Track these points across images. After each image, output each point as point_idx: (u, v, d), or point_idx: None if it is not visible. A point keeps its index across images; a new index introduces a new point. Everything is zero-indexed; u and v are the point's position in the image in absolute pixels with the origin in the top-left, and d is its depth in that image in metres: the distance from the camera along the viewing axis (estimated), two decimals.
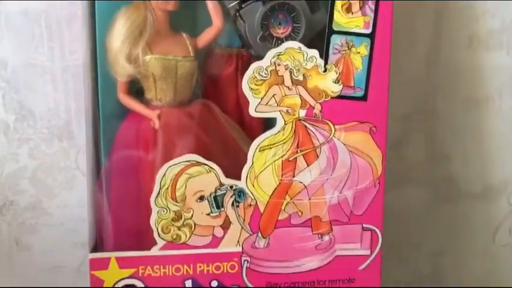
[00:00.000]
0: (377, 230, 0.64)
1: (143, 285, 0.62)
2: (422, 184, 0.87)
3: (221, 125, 0.64)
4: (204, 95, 0.66)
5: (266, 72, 0.59)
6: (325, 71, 0.59)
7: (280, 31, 0.61)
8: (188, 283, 0.63)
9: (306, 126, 0.60)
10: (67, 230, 0.82)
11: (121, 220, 0.63)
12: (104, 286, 0.62)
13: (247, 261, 0.63)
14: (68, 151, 0.77)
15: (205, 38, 0.63)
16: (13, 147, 0.77)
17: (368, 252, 0.64)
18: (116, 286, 0.62)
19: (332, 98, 0.60)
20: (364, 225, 0.64)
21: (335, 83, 0.60)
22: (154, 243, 0.62)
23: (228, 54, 0.66)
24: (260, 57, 0.60)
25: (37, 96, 0.75)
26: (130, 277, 0.62)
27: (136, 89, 0.64)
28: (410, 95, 0.82)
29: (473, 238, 0.91)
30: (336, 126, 0.60)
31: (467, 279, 0.92)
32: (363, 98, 0.60)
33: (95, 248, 0.64)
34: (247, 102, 0.60)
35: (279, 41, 0.60)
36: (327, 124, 0.60)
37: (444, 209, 0.89)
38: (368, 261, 0.64)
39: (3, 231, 0.80)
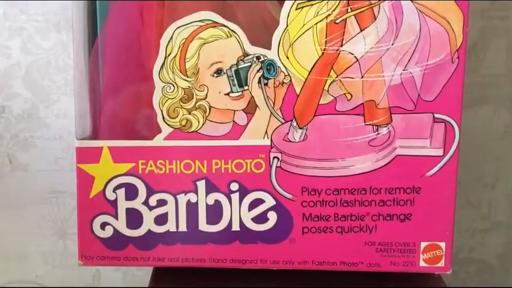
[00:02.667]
0: (454, 123, 0.48)
1: (143, 185, 0.49)
2: (502, 101, 0.70)
3: None
4: None
5: None
6: None
7: None
8: (201, 184, 0.48)
9: None
10: (68, 146, 0.70)
11: (117, 100, 0.50)
12: (94, 185, 0.48)
13: (278, 159, 0.48)
14: (67, 45, 0.65)
15: None
16: (3, 39, 0.65)
17: (440, 152, 0.48)
18: (109, 186, 0.48)
19: None
20: (436, 115, 0.48)
21: None
22: (159, 130, 0.48)
23: None
24: None
25: None
26: (126, 174, 0.49)
27: None
28: None
29: None
30: None
31: None
32: None
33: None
34: None
35: None
36: None
37: None
38: (440, 165, 0.48)
39: None
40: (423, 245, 0.50)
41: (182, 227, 0.50)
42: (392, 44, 0.47)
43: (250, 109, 0.48)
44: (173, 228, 0.50)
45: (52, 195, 0.72)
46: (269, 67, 0.48)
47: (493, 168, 0.74)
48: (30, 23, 0.65)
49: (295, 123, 0.48)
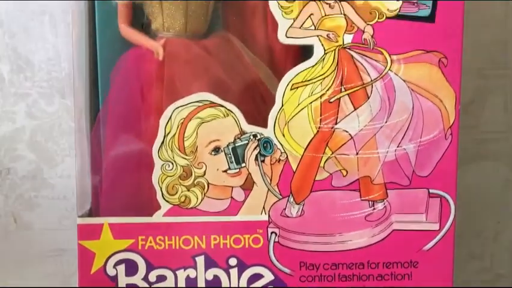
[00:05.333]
0: (449, 197, 0.48)
1: (143, 261, 0.49)
2: (500, 157, 0.70)
3: (244, 63, 0.54)
4: (224, 28, 0.53)
5: None
6: None
7: None
8: (200, 260, 0.49)
9: (352, 57, 0.48)
10: (72, 206, 0.71)
11: (117, 177, 0.50)
12: (94, 261, 0.49)
13: (276, 234, 0.49)
14: (71, 110, 0.67)
15: None
16: (9, 104, 0.67)
17: (436, 226, 0.49)
18: (109, 262, 0.49)
19: (387, 18, 0.48)
20: (431, 191, 0.48)
21: None
22: (158, 207, 0.49)
23: None
24: None
25: (34, 42, 0.65)
26: (126, 250, 0.49)
27: (141, 24, 0.53)
28: (485, 42, 0.66)
29: None
30: (394, 57, 0.48)
31: None
32: (430, 18, 0.48)
33: (88, 215, 0.51)
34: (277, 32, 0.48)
35: None
36: (381, 53, 0.48)
37: None
38: (437, 239, 0.48)
39: None
40: None
41: None
42: (386, 122, 0.48)
43: (248, 185, 0.49)
44: None
45: (56, 253, 0.73)
46: (266, 145, 0.49)
47: (494, 221, 0.74)
48: (35, 89, 0.67)
49: (292, 199, 0.49)
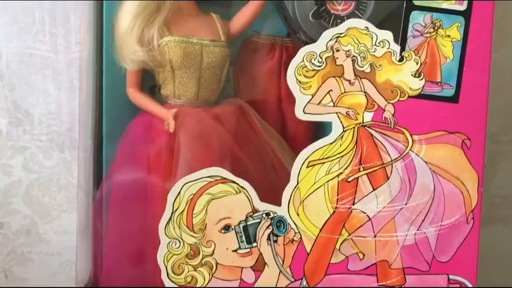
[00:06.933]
0: (469, 284, 0.46)
1: None
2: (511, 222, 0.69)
3: (257, 132, 0.52)
4: (236, 94, 0.53)
5: (320, 59, 0.45)
6: (401, 60, 0.44)
7: (340, 7, 0.46)
8: None
9: (372, 135, 0.47)
10: (66, 262, 0.67)
11: (120, 252, 0.48)
12: None
13: None
14: (71, 164, 0.64)
15: (240, 19, 0.50)
16: (5, 157, 0.64)
17: None
18: None
19: (409, 97, 0.46)
20: (451, 277, 0.46)
21: (415, 76, 0.45)
22: (162, 285, 0.46)
23: (270, 44, 0.54)
24: (312, 43, 0.45)
25: (35, 95, 0.63)
26: None
27: (150, 87, 0.52)
28: (498, 108, 0.65)
29: None
30: (415, 137, 0.47)
31: None
32: (454, 98, 0.46)
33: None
34: (292, 103, 0.47)
35: (339, 19, 0.45)
36: (403, 133, 0.46)
37: None
38: None
39: None
40: None
41: None
42: (406, 204, 0.46)
43: (259, 266, 0.47)
44: None
45: None
46: (279, 224, 0.46)
47: (505, 281, 0.72)
48: (33, 142, 0.64)
49: (305, 282, 0.47)
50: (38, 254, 0.68)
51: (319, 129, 0.51)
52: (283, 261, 0.47)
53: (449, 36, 0.45)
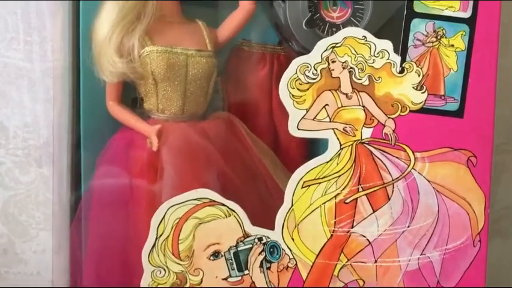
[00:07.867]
0: None
1: None
2: None
3: (247, 148, 0.49)
4: (225, 106, 0.51)
5: (315, 71, 0.42)
6: (402, 71, 0.42)
7: (335, 14, 0.43)
8: None
9: (371, 153, 0.44)
10: (46, 282, 0.64)
11: (99, 273, 0.45)
12: None
13: None
14: (49, 180, 0.61)
15: (228, 26, 0.47)
16: None
17: None
18: None
19: (411, 111, 0.44)
20: None
21: (417, 89, 0.42)
22: None
23: (260, 53, 0.51)
24: (305, 53, 0.42)
25: (10, 107, 0.59)
26: None
27: (132, 99, 0.49)
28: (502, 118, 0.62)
29: None
30: (417, 154, 0.44)
31: None
32: (458, 113, 0.44)
33: None
34: (285, 117, 0.44)
35: (334, 27, 0.43)
36: (404, 150, 0.44)
37: None
38: None
39: None
40: None
41: None
42: (408, 227, 0.44)
43: None
44: None
45: None
46: (272, 249, 0.44)
47: None
48: (8, 157, 0.61)
49: None
50: (16, 274, 0.65)
51: (313, 143, 0.48)
52: None
53: (452, 45, 0.42)
